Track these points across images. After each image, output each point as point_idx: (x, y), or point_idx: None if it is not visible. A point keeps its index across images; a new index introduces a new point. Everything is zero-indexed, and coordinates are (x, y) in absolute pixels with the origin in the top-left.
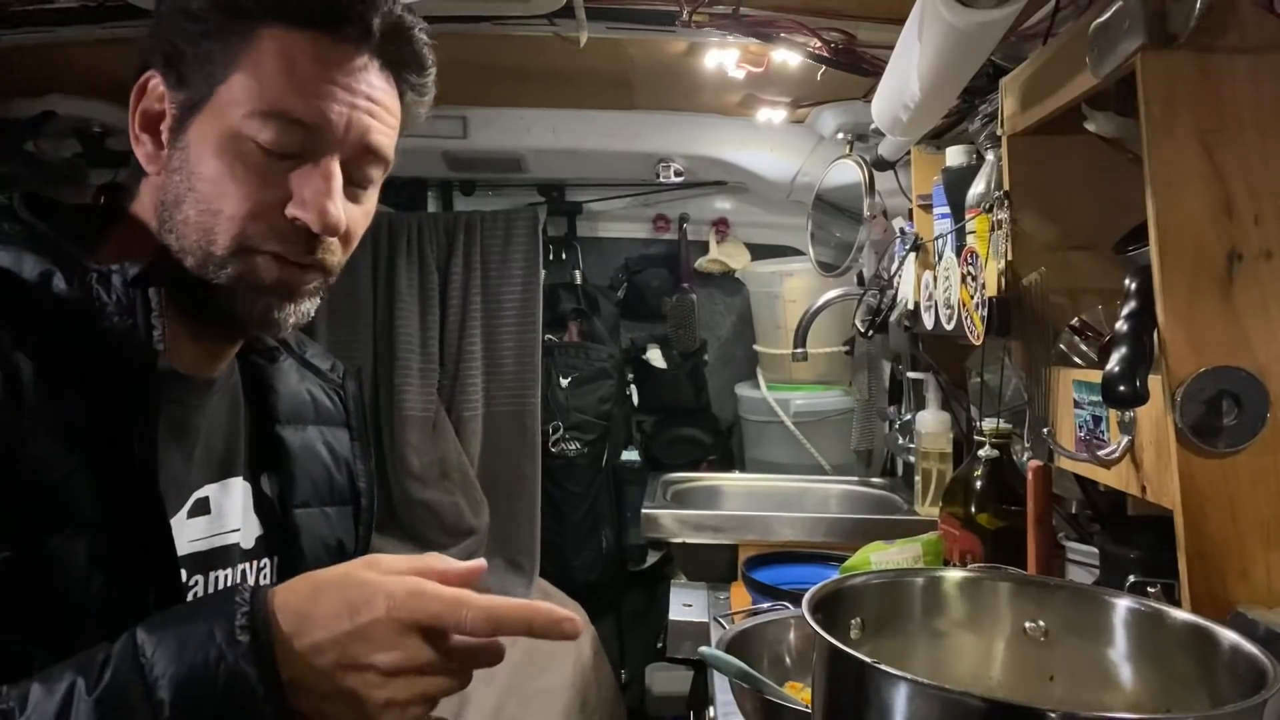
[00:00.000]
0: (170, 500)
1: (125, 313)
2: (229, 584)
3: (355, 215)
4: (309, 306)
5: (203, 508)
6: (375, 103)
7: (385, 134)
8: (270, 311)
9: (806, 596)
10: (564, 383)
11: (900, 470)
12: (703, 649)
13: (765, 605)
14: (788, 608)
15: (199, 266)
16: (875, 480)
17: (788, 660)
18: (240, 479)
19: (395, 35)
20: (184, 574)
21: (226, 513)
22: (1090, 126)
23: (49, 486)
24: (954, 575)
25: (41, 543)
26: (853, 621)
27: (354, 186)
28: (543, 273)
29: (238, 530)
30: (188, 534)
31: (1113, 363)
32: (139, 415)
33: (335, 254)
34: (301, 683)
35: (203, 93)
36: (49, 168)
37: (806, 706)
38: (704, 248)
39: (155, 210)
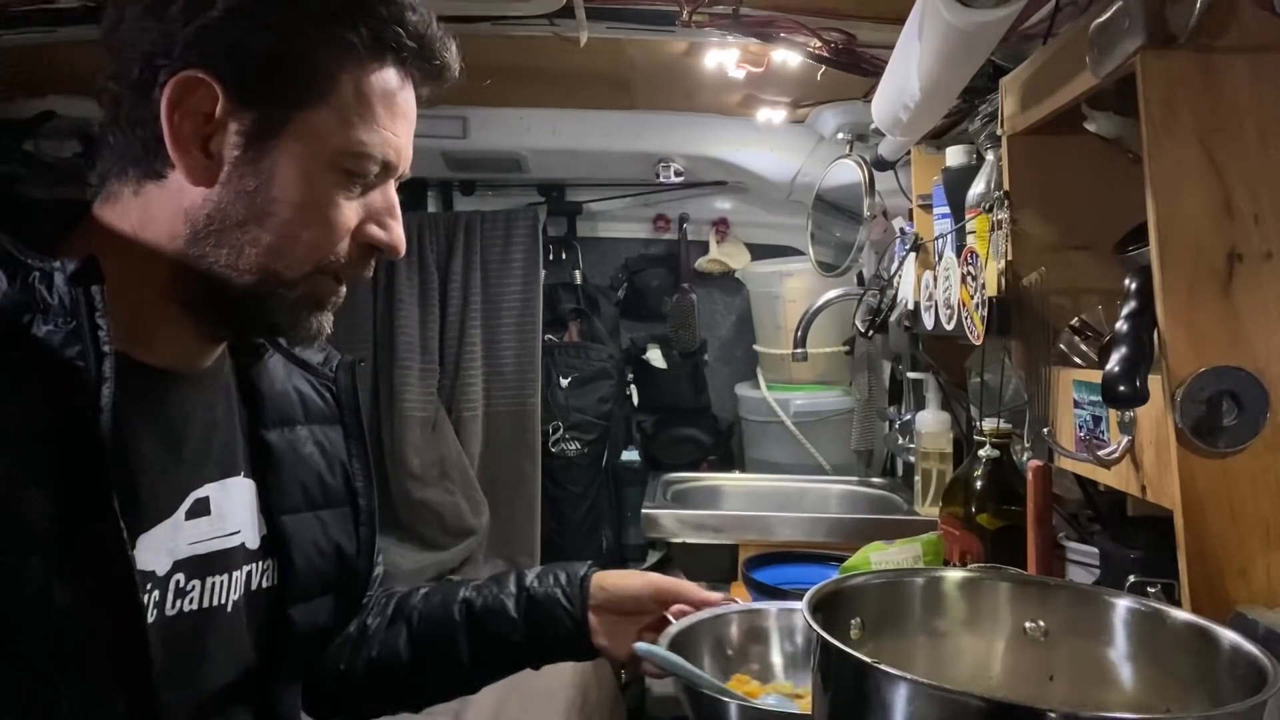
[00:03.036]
0: (165, 501)
1: (68, 314)
2: (228, 588)
3: None
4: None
5: (202, 508)
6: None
7: None
8: (318, 326)
9: (806, 596)
10: (564, 383)
11: (900, 470)
12: (638, 644)
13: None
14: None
15: (255, 284)
16: (875, 480)
17: (729, 653)
18: (241, 477)
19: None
20: (181, 579)
21: (227, 514)
22: (1090, 126)
23: None
24: (954, 575)
25: None
26: (853, 621)
27: None
28: (543, 273)
29: (239, 532)
30: (186, 536)
31: (1113, 363)
32: (89, 420)
33: None
34: None
35: (282, 114)
36: (49, 168)
37: (743, 699)
38: (704, 248)
39: (186, 220)
